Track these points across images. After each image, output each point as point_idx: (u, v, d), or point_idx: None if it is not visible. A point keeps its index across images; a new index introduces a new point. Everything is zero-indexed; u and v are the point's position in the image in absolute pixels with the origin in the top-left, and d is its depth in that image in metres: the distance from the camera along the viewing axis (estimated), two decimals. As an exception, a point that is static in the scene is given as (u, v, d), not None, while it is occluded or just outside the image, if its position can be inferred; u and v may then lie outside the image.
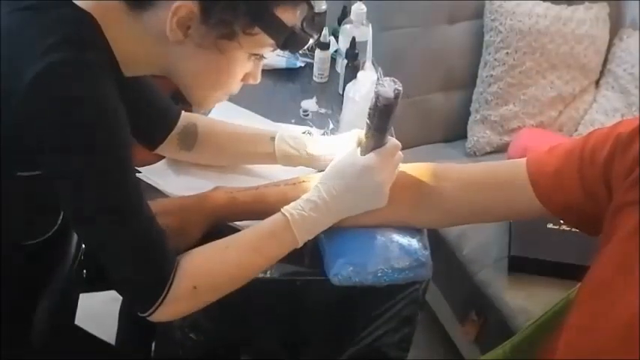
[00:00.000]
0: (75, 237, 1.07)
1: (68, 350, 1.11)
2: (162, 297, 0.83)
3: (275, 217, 0.92)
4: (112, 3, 0.81)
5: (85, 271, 1.18)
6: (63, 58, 0.74)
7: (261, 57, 0.90)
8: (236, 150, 1.15)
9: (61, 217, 0.95)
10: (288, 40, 0.85)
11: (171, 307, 0.85)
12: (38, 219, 0.94)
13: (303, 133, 1.32)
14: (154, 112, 1.08)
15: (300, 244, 0.92)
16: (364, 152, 0.96)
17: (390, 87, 0.90)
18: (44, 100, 0.74)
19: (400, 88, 0.90)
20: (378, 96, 0.91)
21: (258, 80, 0.94)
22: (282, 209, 0.92)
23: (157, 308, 0.84)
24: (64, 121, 0.75)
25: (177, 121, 1.10)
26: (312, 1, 0.87)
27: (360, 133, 1.00)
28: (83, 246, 1.10)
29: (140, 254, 0.83)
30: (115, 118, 0.79)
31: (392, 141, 0.97)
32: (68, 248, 1.06)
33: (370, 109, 0.93)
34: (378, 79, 0.89)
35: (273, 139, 1.12)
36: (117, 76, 0.83)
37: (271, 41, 0.85)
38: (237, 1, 0.79)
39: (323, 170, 1.01)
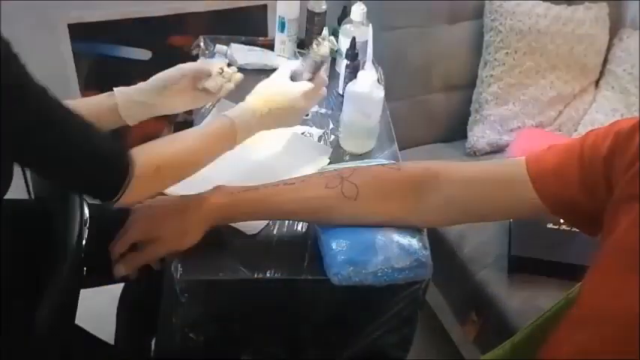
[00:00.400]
0: (75, 234, 1.06)
1: (68, 349, 1.11)
2: (127, 181, 0.87)
3: (222, 120, 1.04)
4: None
5: (85, 268, 1.18)
6: None
7: None
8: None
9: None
10: None
11: (136, 190, 0.89)
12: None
13: (302, 133, 1.32)
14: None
15: (237, 146, 1.05)
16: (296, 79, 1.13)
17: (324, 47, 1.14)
18: None
19: (335, 47, 1.19)
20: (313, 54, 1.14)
21: None
22: (227, 114, 1.05)
23: (123, 192, 0.88)
24: None
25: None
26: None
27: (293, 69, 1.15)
28: (83, 243, 1.09)
29: (94, 146, 0.87)
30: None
31: (320, 76, 1.16)
32: (69, 245, 1.05)
33: (306, 55, 1.15)
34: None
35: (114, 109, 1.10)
36: None
37: None
38: None
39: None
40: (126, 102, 1.10)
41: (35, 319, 1.01)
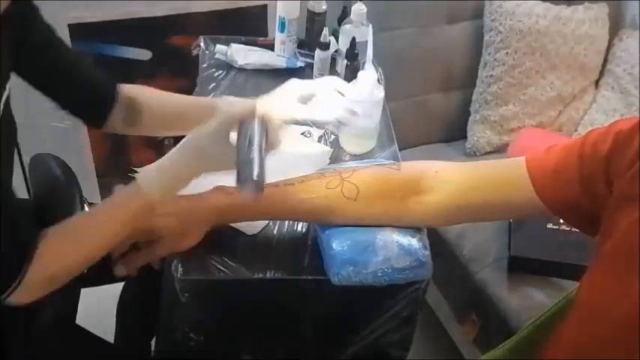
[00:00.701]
0: None
1: (67, 348, 1.11)
2: (16, 283, 0.83)
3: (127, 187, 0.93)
4: None
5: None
6: None
7: None
8: (181, 122, 1.15)
9: None
10: None
11: (26, 293, 0.85)
12: None
13: (302, 133, 1.32)
14: (88, 89, 1.09)
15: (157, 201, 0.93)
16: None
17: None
18: None
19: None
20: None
21: None
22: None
23: (10, 294, 0.84)
24: None
25: (115, 96, 1.11)
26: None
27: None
28: None
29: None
30: None
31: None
32: None
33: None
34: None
35: (214, 109, 1.09)
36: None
37: None
38: None
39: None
40: None
41: (35, 319, 1.01)
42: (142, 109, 1.13)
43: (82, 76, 1.08)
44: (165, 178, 0.94)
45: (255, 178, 0.89)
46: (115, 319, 1.45)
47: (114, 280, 1.32)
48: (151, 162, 1.16)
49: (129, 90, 1.13)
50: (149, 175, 0.93)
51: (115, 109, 1.11)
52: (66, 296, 1.06)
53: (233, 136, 0.95)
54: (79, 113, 1.11)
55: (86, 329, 1.18)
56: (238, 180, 0.90)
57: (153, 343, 1.40)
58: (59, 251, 0.88)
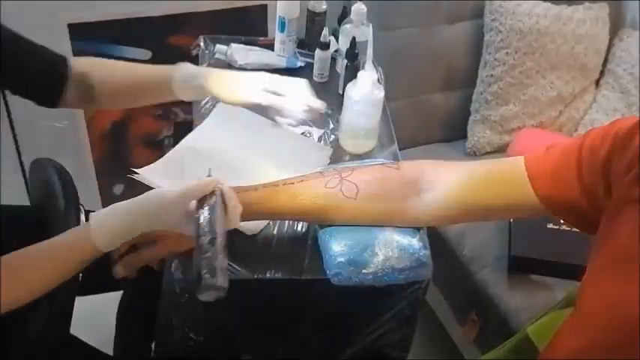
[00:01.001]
0: None
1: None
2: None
3: (77, 229, 0.91)
4: None
5: (80, 274, 1.18)
6: None
7: None
8: (136, 95, 1.15)
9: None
10: None
11: None
12: None
13: (303, 133, 1.32)
14: (39, 69, 1.07)
15: (103, 251, 0.90)
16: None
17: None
18: None
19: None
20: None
21: None
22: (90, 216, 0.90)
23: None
24: None
25: (66, 75, 1.09)
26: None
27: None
28: None
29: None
30: None
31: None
32: None
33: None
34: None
35: (170, 79, 1.10)
36: None
37: None
38: None
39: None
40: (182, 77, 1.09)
41: (27, 328, 1.00)
42: (94, 83, 1.10)
43: (29, 58, 1.05)
44: (114, 228, 0.90)
45: (218, 284, 0.85)
46: (114, 321, 1.45)
47: (110, 288, 1.32)
48: (150, 162, 1.16)
49: (80, 64, 1.11)
50: (100, 219, 0.90)
51: (67, 86, 1.09)
52: (56, 306, 1.05)
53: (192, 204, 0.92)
54: (31, 95, 1.09)
55: (83, 341, 1.17)
56: (198, 284, 0.84)
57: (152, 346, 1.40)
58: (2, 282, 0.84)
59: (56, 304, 1.04)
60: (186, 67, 1.11)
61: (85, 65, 1.11)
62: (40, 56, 1.06)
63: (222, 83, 1.10)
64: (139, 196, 0.92)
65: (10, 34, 1.03)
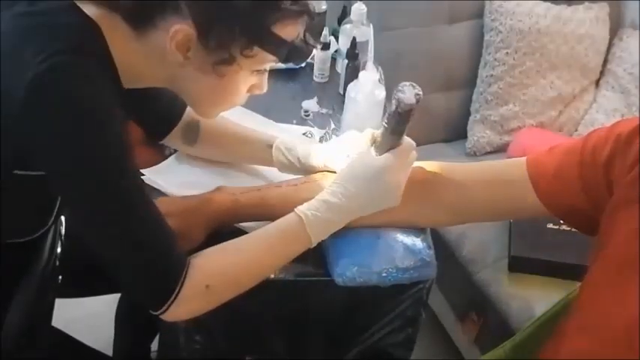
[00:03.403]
0: (49, 240, 1.05)
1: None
2: (173, 296, 0.83)
3: (289, 218, 0.91)
4: (118, 17, 0.81)
5: (60, 276, 1.17)
6: (63, 61, 0.75)
7: (265, 70, 0.90)
8: (236, 153, 1.17)
9: (52, 217, 0.95)
10: (290, 54, 0.85)
11: (184, 307, 0.85)
12: (30, 218, 0.93)
13: (304, 134, 1.32)
14: (159, 106, 1.09)
15: (314, 244, 0.92)
16: (379, 152, 0.95)
17: (410, 92, 0.88)
18: (42, 100, 0.74)
19: (420, 93, 0.88)
20: (399, 102, 0.88)
21: (265, 90, 0.94)
22: (295, 209, 0.91)
23: (168, 307, 0.84)
24: (61, 120, 0.75)
25: (182, 115, 1.12)
26: (311, 10, 0.86)
27: (374, 132, 0.98)
28: (58, 250, 1.09)
29: (148, 254, 0.83)
30: (111, 118, 0.79)
31: (407, 141, 0.95)
32: (42, 251, 1.05)
33: (389, 113, 0.91)
34: (398, 86, 0.88)
35: (270, 146, 1.12)
36: (116, 79, 0.84)
37: (272, 57, 0.85)
38: (235, 22, 0.79)
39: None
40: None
41: (3, 328, 0.99)
42: (202, 131, 1.13)
43: (158, 93, 1.06)
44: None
45: None
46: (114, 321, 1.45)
47: (95, 292, 1.31)
48: (150, 162, 1.17)
49: (192, 111, 1.11)
50: (317, 221, 0.91)
51: (177, 126, 1.12)
52: (32, 307, 1.04)
53: None
54: (145, 125, 1.11)
55: (79, 341, 1.17)
56: None
57: (154, 344, 1.40)
58: (217, 267, 0.89)
59: (31, 301, 1.04)
60: (284, 139, 1.12)
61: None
62: (164, 94, 1.06)
63: (321, 152, 1.10)
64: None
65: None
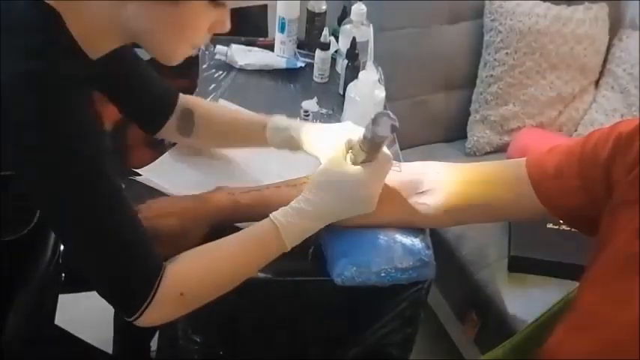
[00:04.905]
0: (52, 236, 1.06)
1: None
2: (147, 302, 0.83)
3: (263, 224, 0.92)
4: None
5: (63, 274, 1.17)
6: (39, 69, 0.75)
7: (224, 4, 0.86)
8: (233, 138, 1.18)
9: (37, 216, 0.94)
10: None
11: (157, 313, 0.84)
12: (12, 217, 0.92)
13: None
14: (152, 99, 1.10)
15: (289, 249, 0.92)
16: (354, 161, 0.94)
17: (386, 124, 0.88)
18: (19, 106, 0.74)
19: (396, 123, 0.88)
20: (374, 134, 0.88)
21: (228, 27, 0.89)
22: (270, 215, 0.92)
23: (142, 313, 0.83)
24: (37, 125, 0.75)
25: (175, 106, 1.12)
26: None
27: (351, 140, 0.96)
28: (61, 247, 1.09)
29: (123, 259, 0.82)
30: (88, 125, 0.79)
31: (383, 155, 0.95)
32: (44, 248, 1.05)
33: (365, 136, 0.90)
34: (374, 115, 0.88)
35: (264, 127, 1.12)
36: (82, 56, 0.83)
37: None
38: None
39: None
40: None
41: (5, 325, 0.99)
42: (196, 120, 1.14)
43: (149, 86, 1.08)
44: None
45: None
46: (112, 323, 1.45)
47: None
48: (150, 162, 1.17)
49: (186, 101, 1.14)
50: (292, 227, 0.92)
51: (171, 117, 1.12)
52: (35, 306, 1.05)
53: None
54: (138, 118, 1.13)
55: (80, 338, 1.17)
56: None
57: (154, 344, 1.40)
58: (191, 273, 0.88)
59: (34, 299, 1.04)
60: (280, 120, 1.12)
61: (191, 103, 1.14)
62: (156, 86, 1.09)
63: (310, 136, 1.10)
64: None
65: (143, 62, 1.06)
